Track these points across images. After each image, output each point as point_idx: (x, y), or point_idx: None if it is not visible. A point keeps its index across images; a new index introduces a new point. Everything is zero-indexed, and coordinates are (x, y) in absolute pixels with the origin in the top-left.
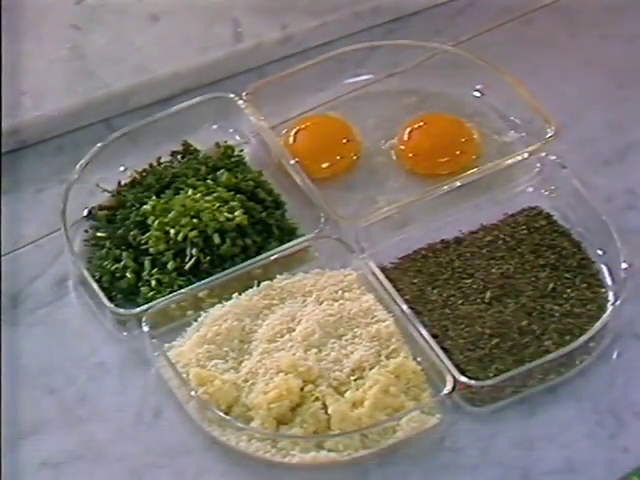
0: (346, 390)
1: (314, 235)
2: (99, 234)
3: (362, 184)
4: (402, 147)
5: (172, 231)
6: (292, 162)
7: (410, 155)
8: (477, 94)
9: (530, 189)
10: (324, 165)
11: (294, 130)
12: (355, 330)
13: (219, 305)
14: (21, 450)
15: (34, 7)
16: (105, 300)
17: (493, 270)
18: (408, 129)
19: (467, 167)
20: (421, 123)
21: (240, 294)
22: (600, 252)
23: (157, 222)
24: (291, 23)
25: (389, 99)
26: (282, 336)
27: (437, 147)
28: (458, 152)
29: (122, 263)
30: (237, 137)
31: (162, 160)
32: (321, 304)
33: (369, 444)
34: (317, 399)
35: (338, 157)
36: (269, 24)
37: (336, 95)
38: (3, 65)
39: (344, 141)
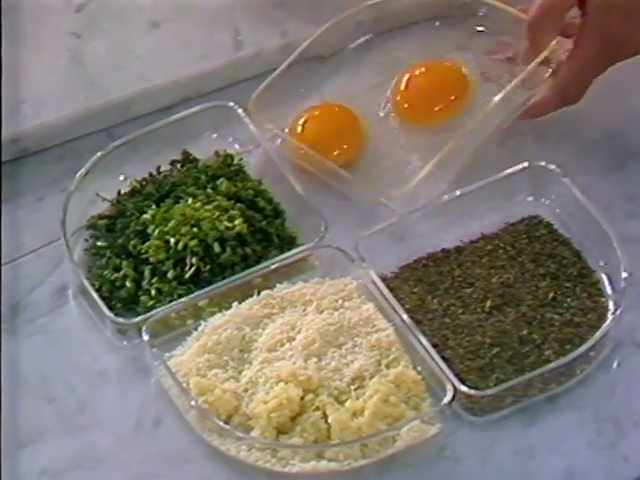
0: (346, 399)
1: (314, 244)
2: (99, 243)
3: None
4: (398, 98)
5: (172, 240)
6: (306, 151)
7: (406, 106)
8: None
9: (530, 198)
10: (335, 152)
11: (301, 121)
12: (355, 339)
13: (219, 314)
14: (21, 458)
15: (34, 15)
16: (105, 309)
17: (493, 279)
18: (402, 80)
19: (463, 111)
20: (413, 72)
21: (240, 303)
22: (600, 261)
23: (157, 231)
24: (291, 31)
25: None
26: (282, 345)
27: (432, 93)
28: (453, 97)
29: (122, 272)
30: (237, 146)
31: (162, 169)
32: (321, 313)
33: (369, 453)
34: (317, 408)
35: (345, 146)
36: (269, 32)
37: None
38: (3, 73)
39: (351, 126)
